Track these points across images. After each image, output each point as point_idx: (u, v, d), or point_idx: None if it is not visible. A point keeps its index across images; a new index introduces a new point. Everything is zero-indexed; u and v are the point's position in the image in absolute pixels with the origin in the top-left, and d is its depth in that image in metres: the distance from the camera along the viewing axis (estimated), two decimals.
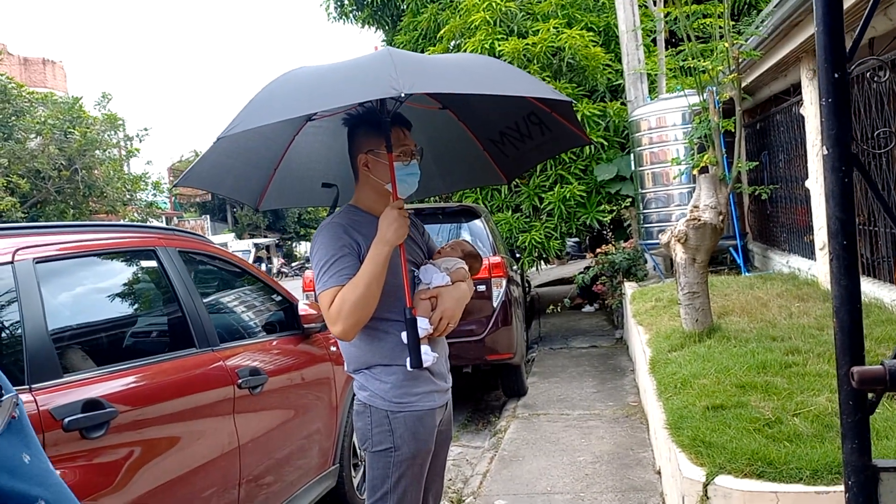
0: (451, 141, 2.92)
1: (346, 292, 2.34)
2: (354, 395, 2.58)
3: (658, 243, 8.20)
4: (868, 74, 5.64)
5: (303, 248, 55.29)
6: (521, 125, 2.70)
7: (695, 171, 5.78)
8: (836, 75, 1.22)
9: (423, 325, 2.45)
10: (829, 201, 1.24)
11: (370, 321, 2.42)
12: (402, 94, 1.92)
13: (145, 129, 28.70)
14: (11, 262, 2.71)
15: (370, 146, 2.49)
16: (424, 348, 2.44)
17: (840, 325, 1.27)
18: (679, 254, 5.64)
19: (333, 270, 2.38)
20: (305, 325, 4.43)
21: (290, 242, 53.00)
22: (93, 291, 3.20)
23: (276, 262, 43.72)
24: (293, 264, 42.75)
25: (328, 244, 2.42)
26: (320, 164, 2.89)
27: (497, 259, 7.00)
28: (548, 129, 2.67)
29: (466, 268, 2.68)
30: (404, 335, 2.44)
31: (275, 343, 4.17)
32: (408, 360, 2.44)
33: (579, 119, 10.22)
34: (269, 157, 2.82)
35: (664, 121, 9.08)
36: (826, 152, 1.23)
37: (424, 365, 2.44)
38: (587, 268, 11.09)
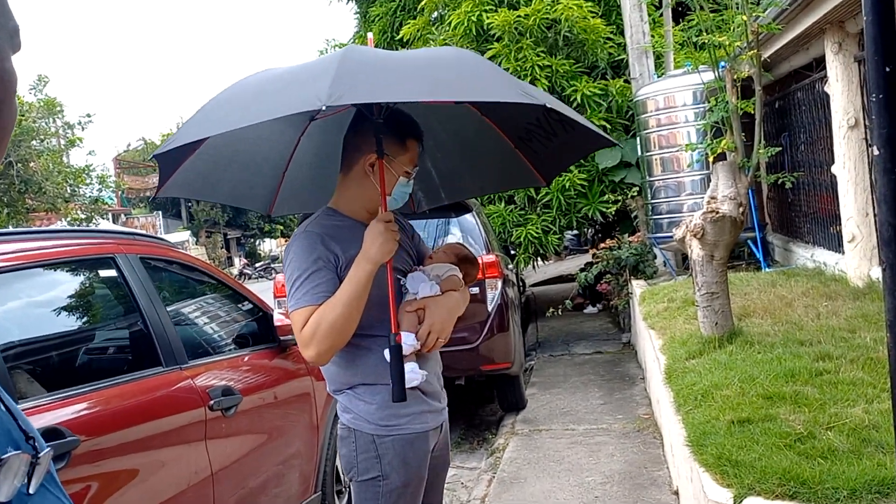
0: (479, 137, 2.92)
1: (323, 313, 2.34)
2: (338, 417, 2.57)
3: (669, 237, 8.24)
4: None
5: (266, 246, 55.11)
6: (543, 122, 2.70)
7: (711, 158, 5.80)
8: (888, 69, 1.24)
9: (409, 341, 2.44)
10: (882, 206, 1.26)
11: (352, 337, 2.42)
12: (324, 108, 1.94)
13: (88, 116, 28.12)
14: None
15: (389, 151, 2.50)
16: (410, 366, 2.44)
17: (895, 339, 1.30)
18: (695, 250, 5.66)
19: (307, 287, 2.38)
20: (282, 338, 4.44)
21: (252, 240, 52.86)
22: (47, 306, 3.19)
23: (238, 262, 43.59)
24: (257, 265, 42.63)
25: (302, 256, 2.41)
26: (333, 163, 2.86)
27: (491, 257, 6.98)
28: (570, 127, 2.66)
29: (460, 275, 2.68)
30: (388, 352, 2.43)
31: (248, 358, 4.18)
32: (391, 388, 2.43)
33: (578, 99, 10.32)
34: (273, 161, 2.88)
35: (673, 100, 9.14)
36: (877, 153, 1.25)
37: (409, 385, 2.43)
38: (588, 264, 11.12)
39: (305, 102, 2.05)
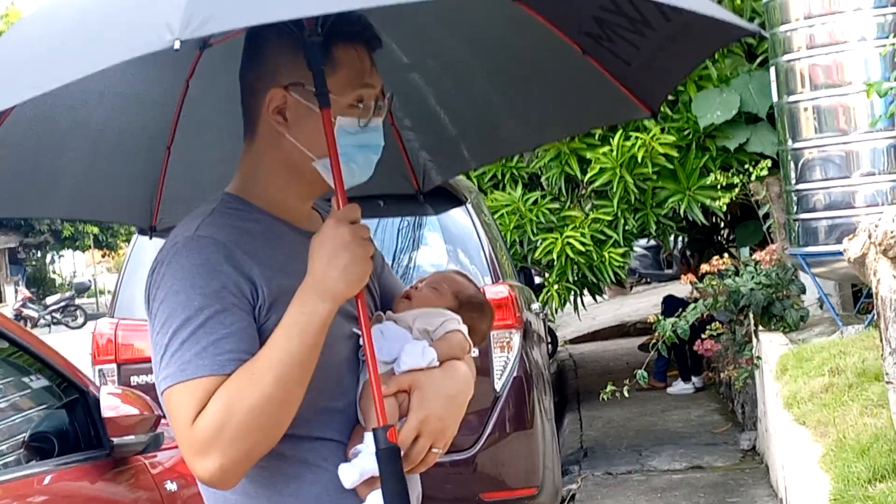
0: (516, 43, 2.17)
1: (236, 391, 1.55)
2: None
3: (833, 253, 6.24)
4: None
5: (66, 264, 38.18)
6: (625, 4, 1.91)
7: None
8: None
9: (371, 450, 1.66)
10: None
11: (277, 445, 1.65)
12: (177, 46, 1.20)
13: None
14: None
15: (291, 76, 1.70)
16: (374, 496, 1.68)
17: None
18: (885, 279, 4.43)
19: (203, 342, 1.55)
20: (115, 440, 3.65)
21: (39, 253, 34.77)
22: None
23: (14, 294, 29.83)
24: (48, 300, 28.00)
25: (190, 285, 1.60)
26: None
27: (501, 290, 5.11)
28: (675, 12, 1.84)
29: (465, 331, 1.92)
30: (348, 472, 1.67)
31: (49, 481, 3.43)
32: None
33: None
34: (141, 137, 2.12)
35: (838, 2, 6.86)
36: None
37: None
38: (666, 301, 8.70)
39: (147, 43, 1.27)
